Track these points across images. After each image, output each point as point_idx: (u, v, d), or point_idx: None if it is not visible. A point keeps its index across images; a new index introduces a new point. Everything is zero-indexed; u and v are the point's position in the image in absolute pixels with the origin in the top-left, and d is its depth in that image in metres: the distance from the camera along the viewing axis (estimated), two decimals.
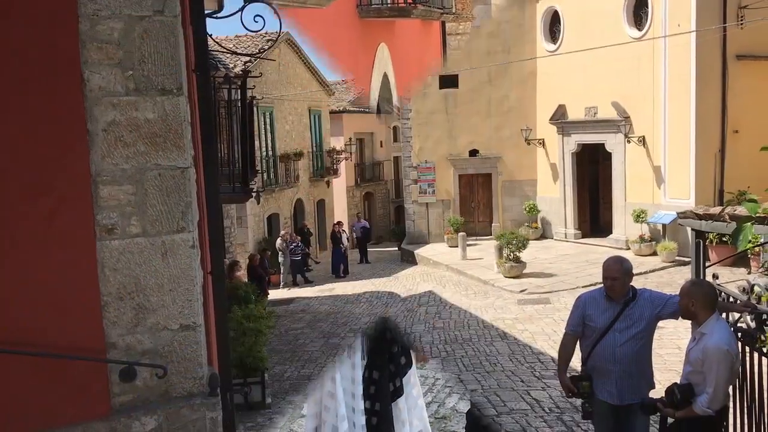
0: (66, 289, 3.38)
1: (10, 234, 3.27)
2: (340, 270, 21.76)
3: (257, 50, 20.62)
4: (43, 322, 3.35)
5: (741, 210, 6.62)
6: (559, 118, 20.97)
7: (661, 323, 4.93)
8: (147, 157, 3.42)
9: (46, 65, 3.28)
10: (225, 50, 7.81)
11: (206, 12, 4.23)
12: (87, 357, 3.41)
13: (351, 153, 30.36)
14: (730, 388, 4.59)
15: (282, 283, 20.33)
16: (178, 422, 3.52)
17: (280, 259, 20.34)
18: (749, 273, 14.06)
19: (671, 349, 9.65)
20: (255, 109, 15.00)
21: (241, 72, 10.02)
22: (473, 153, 23.09)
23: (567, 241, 21.14)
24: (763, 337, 4.59)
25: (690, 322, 4.57)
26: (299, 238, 21.52)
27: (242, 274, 15.68)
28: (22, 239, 3.30)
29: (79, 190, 3.35)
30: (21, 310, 3.33)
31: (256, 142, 17.41)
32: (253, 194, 9.57)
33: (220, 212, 3.97)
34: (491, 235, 22.15)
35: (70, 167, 3.34)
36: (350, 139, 30.69)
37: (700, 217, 6.14)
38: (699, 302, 4.37)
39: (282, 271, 20.47)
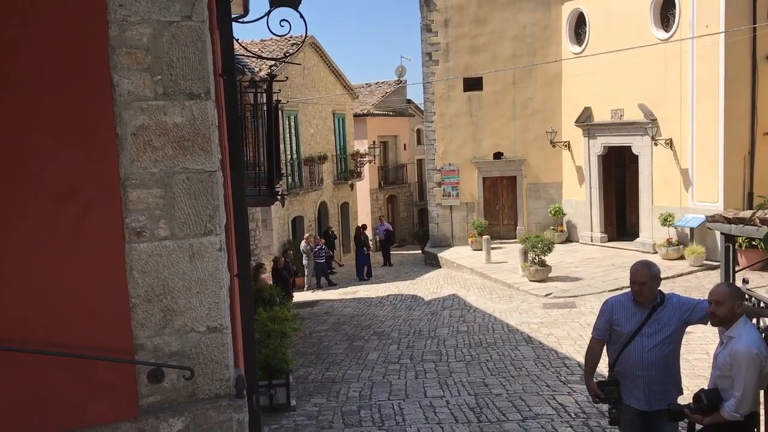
0: (95, 290, 3.42)
1: (40, 237, 3.33)
2: (363, 273, 21.80)
3: (282, 54, 20.77)
4: (72, 323, 3.40)
5: None
6: (584, 120, 20.81)
7: (689, 328, 4.86)
8: (175, 160, 3.45)
9: (76, 70, 3.33)
10: (251, 54, 7.86)
11: (233, 17, 4.26)
12: (115, 358, 3.45)
13: (374, 156, 30.42)
14: (761, 393, 4.52)
15: (306, 286, 20.41)
16: (205, 424, 3.55)
17: (305, 261, 20.43)
18: None
19: (699, 355, 9.52)
20: (280, 112, 15.07)
21: (266, 76, 10.08)
22: (498, 156, 23.00)
23: (593, 245, 20.95)
24: None
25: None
26: (323, 240, 21.59)
27: (267, 276, 15.78)
28: (52, 242, 3.36)
29: (108, 194, 3.40)
30: (51, 311, 3.38)
31: (281, 146, 17.53)
32: (278, 197, 9.61)
33: (246, 215, 4.00)
34: (516, 238, 22.03)
35: (100, 171, 3.39)
36: (374, 142, 30.74)
37: (729, 220, 6.04)
38: (741, 304, 4.33)
39: (306, 274, 20.56)
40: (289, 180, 21.98)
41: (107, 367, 3.44)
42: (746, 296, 4.89)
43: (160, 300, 3.49)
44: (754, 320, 4.76)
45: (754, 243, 14.66)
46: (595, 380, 4.98)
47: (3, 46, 3.23)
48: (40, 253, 3.33)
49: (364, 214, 30.39)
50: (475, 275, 19.17)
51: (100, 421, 3.45)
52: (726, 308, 4.32)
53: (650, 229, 19.06)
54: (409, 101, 36.20)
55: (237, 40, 4.65)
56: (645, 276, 4.74)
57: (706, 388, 4.47)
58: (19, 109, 3.27)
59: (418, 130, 35.19)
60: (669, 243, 18.00)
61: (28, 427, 3.36)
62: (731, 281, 6.15)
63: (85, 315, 3.41)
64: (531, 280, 16.85)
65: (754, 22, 16.40)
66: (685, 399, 4.72)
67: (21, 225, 3.30)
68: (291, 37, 22.52)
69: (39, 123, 3.29)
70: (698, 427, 4.49)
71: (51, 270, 3.36)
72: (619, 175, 21.38)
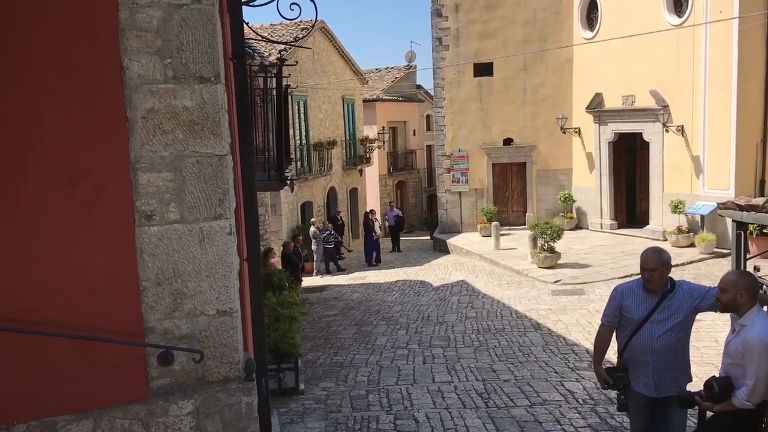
0: (105, 273, 3.44)
1: (51, 219, 3.34)
2: (372, 258, 21.83)
3: (292, 38, 20.72)
4: (83, 305, 3.42)
5: None
6: (595, 106, 20.67)
7: (698, 316, 4.84)
8: (185, 144, 3.45)
9: (86, 53, 3.32)
10: (261, 38, 7.84)
11: (242, 0, 4.24)
12: (126, 341, 3.47)
13: (384, 142, 30.35)
14: None
15: (315, 271, 20.46)
16: (215, 406, 3.57)
17: (314, 247, 20.47)
18: None
19: (708, 342, 9.49)
20: (289, 97, 15.05)
21: (276, 60, 10.06)
22: (507, 142, 22.90)
23: (603, 232, 20.87)
24: None
25: (729, 314, 4.49)
26: (332, 226, 21.62)
27: (276, 261, 15.83)
28: (63, 225, 3.37)
29: (118, 177, 3.41)
30: (61, 292, 3.40)
31: (291, 131, 17.51)
32: (288, 182, 9.60)
33: (255, 200, 4.00)
34: (525, 224, 21.96)
35: (110, 154, 3.39)
36: (383, 127, 30.66)
37: (741, 208, 6.00)
38: (746, 294, 4.29)
39: (315, 259, 20.60)
40: (298, 165, 21.97)
41: (117, 350, 3.46)
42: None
43: (170, 283, 3.50)
44: (767, 308, 4.73)
45: (765, 231, 14.54)
46: (603, 366, 4.97)
47: (16, 27, 3.22)
48: (50, 235, 3.34)
49: (373, 199, 30.37)
50: (483, 261, 19.15)
51: (111, 402, 3.47)
52: (728, 296, 4.31)
53: (660, 217, 18.96)
54: (418, 87, 36.05)
55: (247, 24, 4.63)
56: (655, 262, 4.71)
57: (717, 375, 4.46)
58: (31, 91, 3.27)
59: (428, 116, 35.05)
60: (679, 230, 17.90)
61: (42, 406, 3.39)
62: (743, 269, 6.12)
63: (95, 297, 3.43)
64: (540, 267, 16.82)
65: None
66: (694, 386, 4.71)
67: (32, 206, 3.31)
68: (301, 21, 22.46)
69: (50, 105, 3.29)
70: (708, 414, 4.48)
71: (62, 252, 3.37)
72: (629, 162, 21.25)
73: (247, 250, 4.07)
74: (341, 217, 24.28)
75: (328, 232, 20.71)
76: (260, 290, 4.15)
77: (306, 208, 23.29)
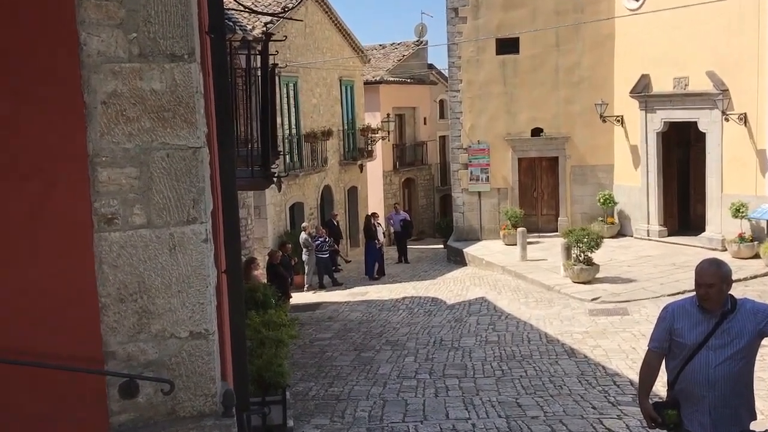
0: (58, 288, 3.44)
1: None
2: (374, 270, 21.81)
3: (280, 9, 20.78)
4: (31, 326, 3.42)
5: None
6: (641, 90, 20.66)
7: (765, 341, 4.83)
8: (153, 134, 3.45)
9: (36, 25, 3.33)
10: (243, 8, 7.87)
11: None
12: (82, 368, 3.47)
13: (389, 131, 30.38)
14: None
15: (306, 285, 20.46)
16: None
17: (304, 257, 20.48)
18: None
19: None
20: (277, 79, 15.08)
21: (261, 35, 10.08)
22: (536, 132, 22.88)
23: (649, 240, 20.84)
24: None
25: None
26: (326, 232, 21.61)
27: (260, 273, 15.82)
28: (6, 230, 3.37)
29: (73, 173, 3.41)
30: (5, 311, 3.40)
31: (278, 119, 17.55)
32: (274, 180, 9.63)
33: (236, 201, 4.01)
34: (557, 231, 21.93)
35: (64, 146, 3.39)
36: (388, 115, 30.69)
37: None
38: None
39: (306, 271, 20.61)
40: (287, 160, 21.99)
41: (72, 379, 3.46)
42: None
43: (134, 300, 3.51)
44: None
45: None
46: (651, 401, 4.96)
47: None
48: None
49: (375, 200, 30.39)
50: (507, 275, 19.13)
51: None
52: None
53: (719, 222, 18.93)
54: (430, 66, 36.09)
55: None
56: (713, 277, 4.70)
57: None
58: None
59: (441, 101, 35.07)
60: (741, 238, 17.87)
61: None
62: None
63: (45, 316, 3.43)
64: (575, 282, 16.80)
65: None
66: (759, 425, 4.69)
67: None
68: None
69: None
70: None
71: (3, 263, 3.37)
72: (682, 157, 21.23)
73: (225, 261, 4.08)
74: (338, 222, 24.29)
75: (321, 239, 20.72)
76: (241, 308, 4.15)
77: (296, 211, 23.29)
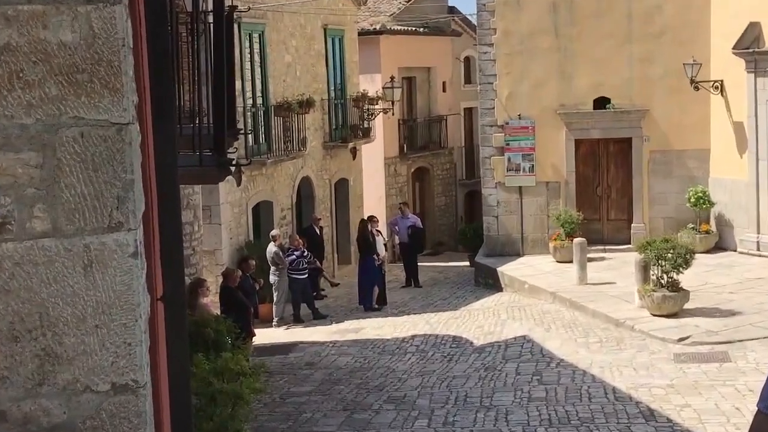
0: None
1: None
2: (372, 298, 21.79)
3: None
4: None
5: None
6: (749, 44, 20.64)
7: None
8: (62, 105, 3.44)
9: None
10: None
11: None
12: None
13: (393, 102, 30.36)
14: None
15: (276, 318, 20.43)
16: None
17: (274, 278, 20.44)
18: None
19: None
20: (237, 27, 15.02)
21: None
22: (601, 104, 22.87)
23: (761, 256, 20.78)
24: None
25: None
26: (305, 243, 21.54)
27: (211, 301, 15.81)
28: None
29: None
30: None
31: (238, 83, 17.49)
32: (232, 169, 9.60)
33: (178, 199, 4.00)
34: (629, 243, 21.91)
35: None
36: (392, 78, 30.65)
37: None
38: None
39: (276, 299, 20.56)
40: (250, 141, 21.97)
41: None
42: None
43: (34, 338, 3.50)
44: None
45: None
46: None
47: None
48: None
49: (374, 199, 30.37)
50: (559, 304, 19.11)
51: None
52: None
53: None
54: (451, 10, 36.13)
55: None
56: None
57: None
58: None
59: (468, 60, 35.10)
60: None
61: None
62: None
63: None
64: (654, 314, 16.76)
65: None
66: None
67: None
68: None
69: None
70: None
71: None
72: None
73: (163, 284, 4.07)
74: (321, 229, 24.28)
75: (298, 254, 20.69)
76: (185, 351, 4.14)
77: (262, 213, 23.29)
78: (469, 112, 34.85)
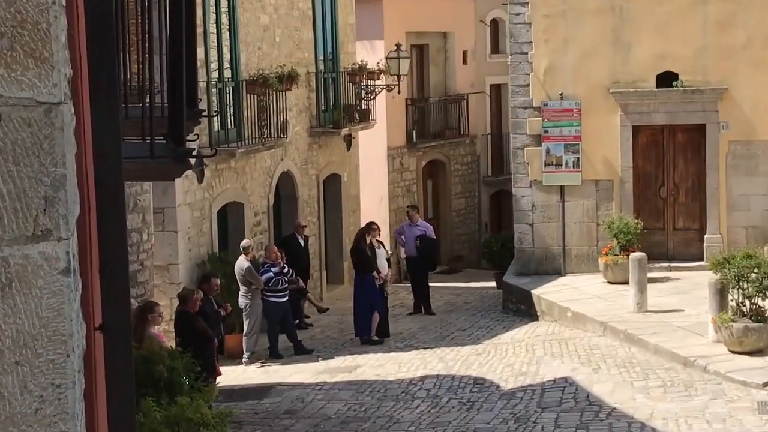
0: None
1: None
2: (371, 327, 21.78)
3: None
4: None
5: None
6: None
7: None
8: None
9: None
10: None
11: None
12: None
13: (399, 76, 30.36)
14: None
15: (247, 353, 20.42)
16: None
17: (244, 300, 20.42)
18: None
19: None
20: None
21: None
22: (666, 80, 22.86)
23: None
24: None
25: None
26: (284, 256, 21.52)
27: (164, 331, 15.80)
28: None
29: None
30: None
31: (200, 51, 17.49)
32: (192, 161, 9.61)
33: (122, 199, 4.00)
34: (702, 259, 21.90)
35: None
36: (398, 46, 30.68)
37: None
38: None
39: (247, 329, 20.52)
40: (216, 126, 21.98)
41: None
42: None
43: None
44: None
45: None
46: None
47: None
48: None
49: (374, 200, 30.38)
50: (611, 337, 19.11)
51: None
52: None
53: None
54: None
55: None
56: None
57: None
58: None
59: (495, 23, 35.13)
60: None
61: None
62: None
63: None
64: (734, 351, 16.75)
65: None
66: None
67: None
68: None
69: None
70: None
71: None
72: None
73: (102, 309, 4.07)
74: (305, 239, 24.29)
75: (276, 270, 20.69)
76: (130, 394, 4.15)
77: (230, 218, 23.32)
78: (497, 91, 34.90)
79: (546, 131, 23.36)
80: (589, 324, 20.01)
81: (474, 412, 15.40)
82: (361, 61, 28.84)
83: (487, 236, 32.27)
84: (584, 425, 14.17)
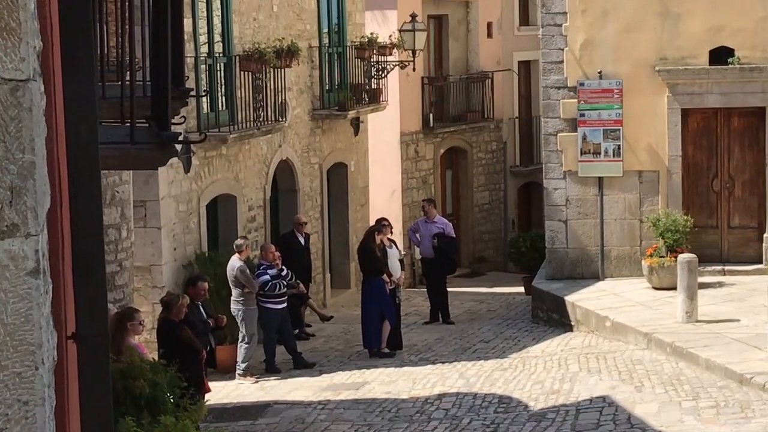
0: None
1: None
2: (381, 338, 21.80)
3: None
4: None
5: None
6: None
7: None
8: None
9: None
10: None
11: None
12: None
13: (414, 52, 30.38)
14: None
15: (242, 365, 20.45)
16: None
17: (237, 307, 20.44)
18: None
19: None
20: None
21: None
22: (720, 57, 22.85)
23: None
24: None
25: None
26: (276, 256, 21.52)
27: (145, 341, 15.82)
28: None
29: None
30: None
31: (187, 23, 17.51)
32: (178, 147, 9.64)
33: (98, 191, 4.01)
34: (761, 262, 21.92)
35: None
36: (413, 16, 30.71)
37: None
38: None
39: (241, 338, 20.56)
40: (205, 108, 22.00)
41: None
42: None
43: None
44: None
45: None
46: None
47: None
48: None
49: (385, 193, 30.43)
50: (657, 351, 19.12)
51: None
52: None
53: None
54: None
55: None
56: None
57: None
58: None
59: None
60: None
61: None
62: None
63: None
64: None
65: None
66: None
67: None
68: None
69: None
70: None
71: None
72: None
73: (76, 315, 4.08)
74: (307, 237, 24.32)
75: (273, 272, 20.72)
76: (107, 413, 4.15)
77: (221, 213, 23.36)
78: (527, 68, 34.91)
79: (582, 115, 23.34)
80: (631, 335, 19.99)
81: None
82: (371, 33, 28.86)
83: (514, 235, 32.28)
84: None
